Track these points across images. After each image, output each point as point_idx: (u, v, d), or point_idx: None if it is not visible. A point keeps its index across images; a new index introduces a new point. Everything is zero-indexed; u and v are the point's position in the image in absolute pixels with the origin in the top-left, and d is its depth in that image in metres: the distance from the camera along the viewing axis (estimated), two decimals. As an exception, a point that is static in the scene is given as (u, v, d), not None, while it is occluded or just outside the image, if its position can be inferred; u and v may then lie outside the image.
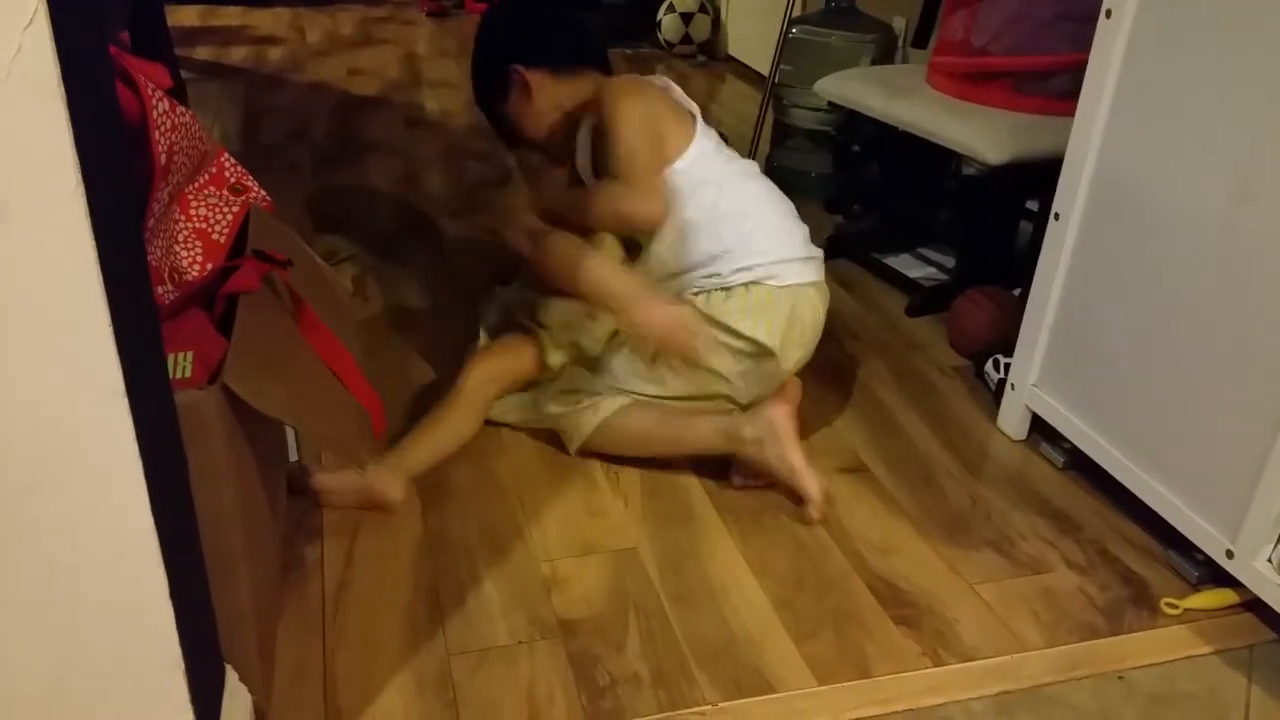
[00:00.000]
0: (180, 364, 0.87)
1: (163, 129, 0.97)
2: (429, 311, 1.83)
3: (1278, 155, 1.07)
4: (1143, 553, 1.29)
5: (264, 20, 4.12)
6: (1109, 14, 1.26)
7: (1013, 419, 1.52)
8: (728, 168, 1.44)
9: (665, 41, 3.78)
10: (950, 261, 2.02)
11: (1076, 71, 1.32)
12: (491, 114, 1.57)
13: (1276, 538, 1.11)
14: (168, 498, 0.71)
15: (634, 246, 1.43)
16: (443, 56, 3.71)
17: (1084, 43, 1.30)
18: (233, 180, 1.13)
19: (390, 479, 1.31)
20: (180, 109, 1.00)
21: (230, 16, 4.16)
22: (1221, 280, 1.15)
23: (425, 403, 1.53)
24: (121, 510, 0.69)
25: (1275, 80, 1.06)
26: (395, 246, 2.09)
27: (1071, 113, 1.33)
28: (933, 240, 2.10)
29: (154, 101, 0.95)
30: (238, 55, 3.59)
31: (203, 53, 3.60)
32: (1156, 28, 1.21)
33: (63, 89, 0.57)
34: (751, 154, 2.39)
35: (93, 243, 0.61)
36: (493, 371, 1.44)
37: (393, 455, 1.34)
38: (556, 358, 1.45)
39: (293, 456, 1.38)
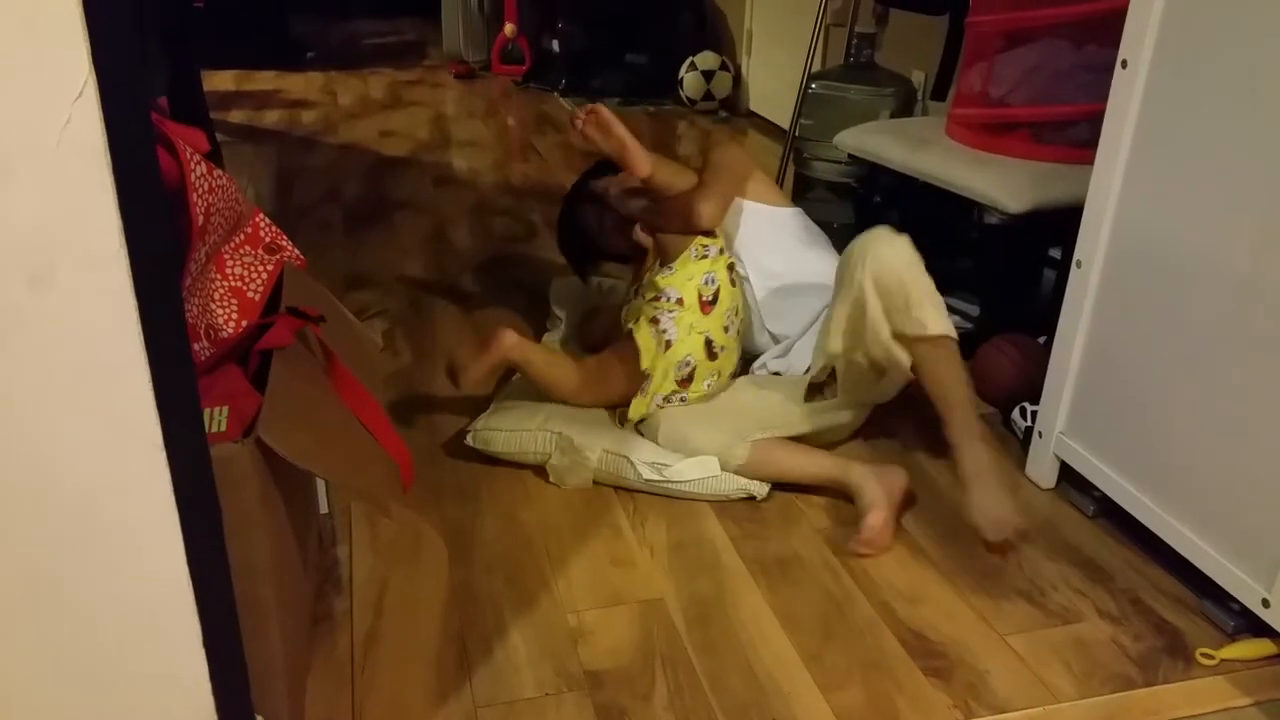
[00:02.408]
0: (216, 418, 0.89)
1: (200, 191, 1.00)
2: (457, 365, 1.85)
3: (1297, 200, 1.08)
4: (1176, 602, 1.27)
5: (297, 84, 4.24)
6: (1125, 64, 1.28)
7: (1041, 467, 1.51)
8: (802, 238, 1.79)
9: (688, 99, 3.84)
10: (974, 310, 2.02)
11: (1095, 120, 1.34)
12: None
13: (1314, 585, 1.09)
14: (202, 549, 0.73)
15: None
16: (470, 117, 3.80)
17: (1101, 92, 1.32)
18: (267, 240, 1.17)
19: (509, 331, 1.52)
20: (217, 172, 1.04)
21: (264, 81, 4.28)
22: (1247, 326, 1.15)
23: (453, 454, 1.55)
24: (157, 561, 0.70)
25: (1291, 127, 1.07)
26: (424, 302, 2.13)
27: (1091, 160, 1.34)
28: (956, 289, 2.10)
29: (192, 165, 0.99)
30: (272, 118, 3.69)
31: (238, 116, 3.71)
32: (1172, 77, 1.22)
33: (109, 156, 0.60)
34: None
35: (134, 301, 0.63)
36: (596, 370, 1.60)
37: (519, 338, 1.54)
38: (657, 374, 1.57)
39: (323, 509, 1.40)
